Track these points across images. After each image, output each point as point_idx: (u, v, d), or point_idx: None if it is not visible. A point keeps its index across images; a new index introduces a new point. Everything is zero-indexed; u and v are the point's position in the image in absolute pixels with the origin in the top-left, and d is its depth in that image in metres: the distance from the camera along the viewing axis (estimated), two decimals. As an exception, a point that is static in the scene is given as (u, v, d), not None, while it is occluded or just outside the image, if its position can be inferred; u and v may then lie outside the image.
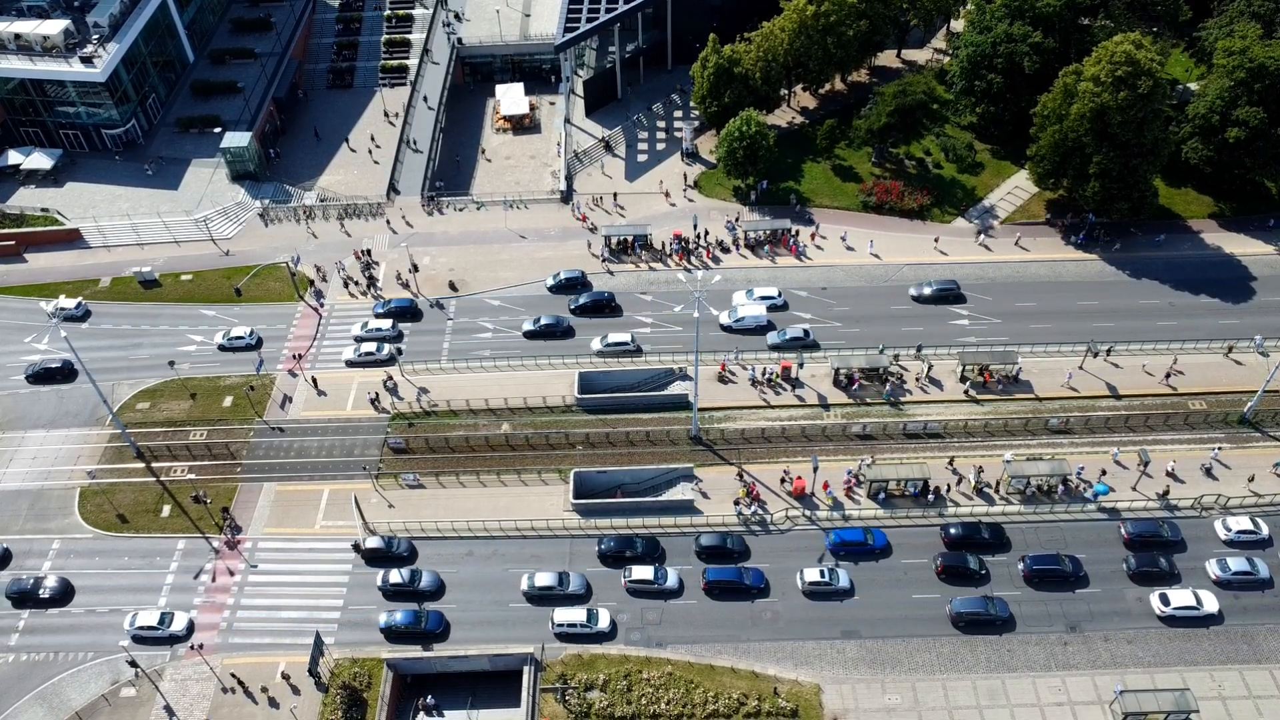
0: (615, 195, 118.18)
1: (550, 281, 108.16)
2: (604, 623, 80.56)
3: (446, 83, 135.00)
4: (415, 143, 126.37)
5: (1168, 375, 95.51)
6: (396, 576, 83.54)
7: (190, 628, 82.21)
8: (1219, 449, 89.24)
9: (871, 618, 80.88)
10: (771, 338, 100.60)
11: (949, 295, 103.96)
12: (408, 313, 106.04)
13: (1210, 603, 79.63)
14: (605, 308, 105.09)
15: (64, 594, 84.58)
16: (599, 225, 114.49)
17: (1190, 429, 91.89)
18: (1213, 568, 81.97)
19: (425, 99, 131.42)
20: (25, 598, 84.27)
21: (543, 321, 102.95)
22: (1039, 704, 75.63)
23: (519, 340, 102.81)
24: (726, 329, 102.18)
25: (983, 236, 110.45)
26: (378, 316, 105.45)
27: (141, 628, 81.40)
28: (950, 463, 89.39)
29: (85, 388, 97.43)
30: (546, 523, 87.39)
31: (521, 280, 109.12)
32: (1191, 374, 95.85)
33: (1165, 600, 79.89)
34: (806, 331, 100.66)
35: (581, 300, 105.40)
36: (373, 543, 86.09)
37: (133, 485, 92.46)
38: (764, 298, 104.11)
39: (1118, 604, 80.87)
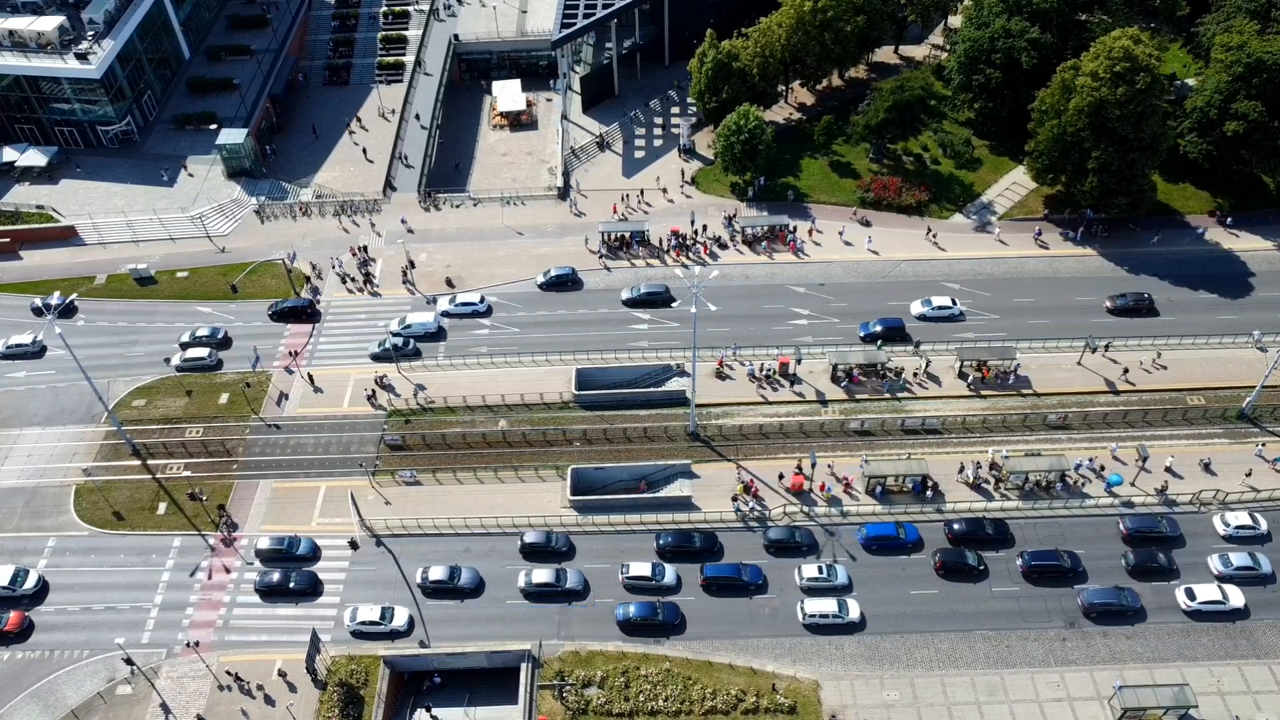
0: (642, 191, 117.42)
1: (541, 279, 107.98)
2: (854, 613, 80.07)
3: (443, 79, 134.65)
4: (406, 158, 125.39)
5: (1125, 371, 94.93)
6: (436, 573, 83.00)
7: (410, 624, 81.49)
8: (1263, 444, 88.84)
9: (870, 614, 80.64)
10: (371, 348, 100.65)
11: (658, 299, 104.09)
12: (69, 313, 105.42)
13: (1236, 598, 79.52)
14: (302, 313, 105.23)
15: (313, 587, 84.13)
16: (628, 219, 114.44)
17: (1189, 424, 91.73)
18: (1215, 563, 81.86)
19: (418, 116, 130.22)
20: (273, 591, 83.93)
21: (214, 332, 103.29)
22: (1038, 699, 75.48)
23: (515, 336, 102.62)
24: (397, 334, 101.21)
25: (997, 231, 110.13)
26: (34, 312, 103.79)
27: (363, 623, 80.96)
28: (991, 465, 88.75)
29: (82, 384, 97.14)
30: (544, 519, 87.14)
31: (517, 277, 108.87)
32: (1190, 369, 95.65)
33: (1191, 595, 79.70)
34: (408, 340, 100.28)
35: (282, 307, 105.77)
36: (531, 538, 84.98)
37: (129, 482, 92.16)
38: (464, 304, 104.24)
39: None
